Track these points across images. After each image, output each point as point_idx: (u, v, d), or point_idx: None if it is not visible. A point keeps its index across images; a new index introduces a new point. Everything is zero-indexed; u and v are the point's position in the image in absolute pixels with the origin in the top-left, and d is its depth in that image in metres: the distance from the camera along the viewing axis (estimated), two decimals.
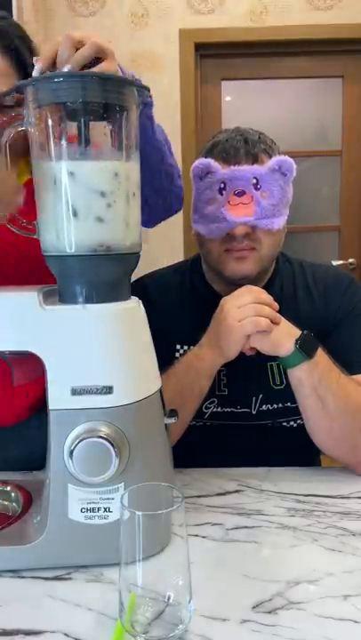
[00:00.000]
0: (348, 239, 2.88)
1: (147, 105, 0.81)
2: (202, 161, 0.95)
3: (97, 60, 0.69)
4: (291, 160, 0.94)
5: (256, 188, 0.93)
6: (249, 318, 0.87)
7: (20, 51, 0.83)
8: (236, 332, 0.88)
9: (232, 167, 0.93)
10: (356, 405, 0.90)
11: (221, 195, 0.94)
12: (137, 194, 0.71)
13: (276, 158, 0.93)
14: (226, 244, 0.96)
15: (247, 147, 0.94)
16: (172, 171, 0.97)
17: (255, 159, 0.94)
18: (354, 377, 0.94)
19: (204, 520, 0.80)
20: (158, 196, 0.97)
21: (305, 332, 0.89)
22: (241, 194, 0.93)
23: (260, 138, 0.96)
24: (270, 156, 0.95)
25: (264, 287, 1.02)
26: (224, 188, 0.93)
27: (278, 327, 0.88)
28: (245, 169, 0.92)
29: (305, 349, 0.87)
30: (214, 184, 0.94)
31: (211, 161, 0.94)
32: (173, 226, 1.08)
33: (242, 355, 0.91)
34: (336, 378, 0.90)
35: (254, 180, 0.92)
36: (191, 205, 1.01)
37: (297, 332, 0.89)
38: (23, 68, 0.82)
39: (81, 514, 0.68)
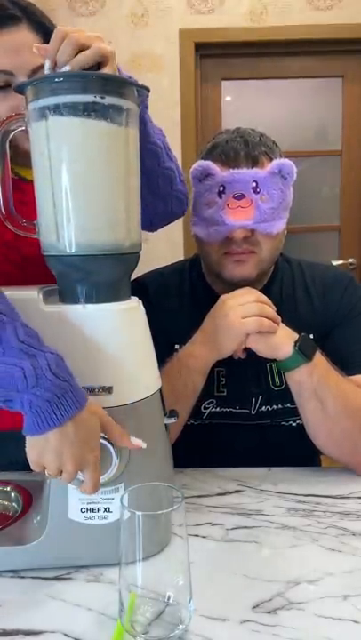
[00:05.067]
0: (349, 239, 2.88)
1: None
2: (201, 163, 0.94)
3: (97, 65, 0.69)
4: (291, 163, 0.93)
5: (255, 192, 0.91)
6: (253, 317, 0.86)
7: (49, 28, 0.86)
8: (236, 328, 0.87)
9: (231, 170, 0.91)
10: (355, 406, 0.90)
11: (220, 198, 0.92)
12: (137, 193, 0.71)
13: (276, 161, 0.92)
14: (225, 248, 0.95)
15: (247, 149, 0.93)
16: (170, 174, 0.96)
17: (255, 162, 0.92)
18: (352, 377, 0.94)
19: (204, 520, 0.80)
20: (158, 200, 0.95)
21: (303, 334, 0.89)
22: (240, 197, 0.91)
23: (260, 140, 0.95)
24: (271, 159, 0.93)
25: (263, 288, 1.02)
26: (223, 192, 0.92)
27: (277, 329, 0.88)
28: (245, 172, 0.91)
29: (304, 351, 0.87)
30: (213, 187, 0.93)
31: (210, 163, 0.93)
32: (173, 226, 1.08)
33: (230, 358, 0.91)
34: (334, 379, 0.89)
35: (254, 184, 0.91)
36: (190, 207, 1.00)
37: (295, 335, 0.89)
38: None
39: (81, 514, 0.68)
